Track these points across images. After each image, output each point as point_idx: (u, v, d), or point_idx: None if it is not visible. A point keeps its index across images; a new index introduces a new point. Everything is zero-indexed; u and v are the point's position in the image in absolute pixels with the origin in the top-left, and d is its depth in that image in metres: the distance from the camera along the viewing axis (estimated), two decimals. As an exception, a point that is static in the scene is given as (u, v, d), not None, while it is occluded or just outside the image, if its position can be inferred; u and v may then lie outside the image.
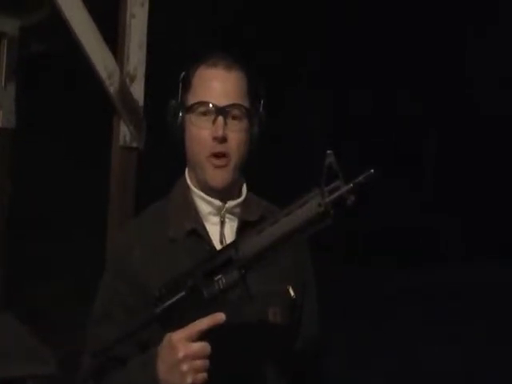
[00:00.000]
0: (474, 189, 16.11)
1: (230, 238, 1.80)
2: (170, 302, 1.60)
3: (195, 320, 1.56)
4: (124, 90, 4.11)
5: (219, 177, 1.78)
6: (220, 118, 1.76)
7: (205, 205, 1.83)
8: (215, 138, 1.76)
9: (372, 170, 1.49)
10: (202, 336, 1.56)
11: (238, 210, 1.84)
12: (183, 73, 1.84)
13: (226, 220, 1.83)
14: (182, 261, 1.73)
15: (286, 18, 15.19)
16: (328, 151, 1.51)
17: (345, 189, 1.50)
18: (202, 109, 1.78)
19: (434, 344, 8.23)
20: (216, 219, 1.82)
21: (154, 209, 1.90)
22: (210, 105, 1.76)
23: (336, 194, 1.51)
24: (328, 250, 10.66)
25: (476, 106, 16.67)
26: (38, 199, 10.98)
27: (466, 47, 16.74)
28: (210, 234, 1.81)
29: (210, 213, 1.82)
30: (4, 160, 5.50)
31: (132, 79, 4.14)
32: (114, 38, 4.21)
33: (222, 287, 1.57)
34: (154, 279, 1.71)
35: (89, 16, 4.09)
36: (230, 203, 1.83)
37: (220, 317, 1.56)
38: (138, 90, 4.17)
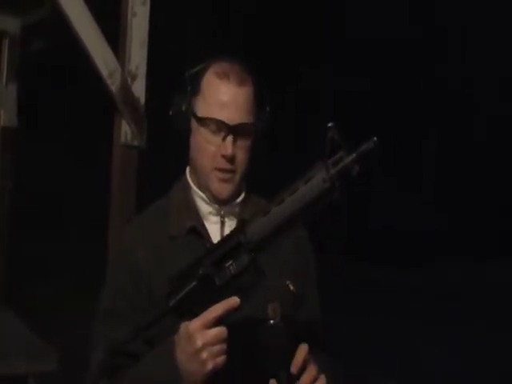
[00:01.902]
0: (474, 189, 16.11)
1: None
2: (183, 292, 1.59)
3: (209, 307, 1.57)
4: (125, 89, 4.12)
5: (224, 190, 1.81)
6: (230, 137, 1.78)
7: (205, 205, 1.85)
8: (224, 156, 1.78)
9: (375, 138, 1.47)
10: (218, 322, 1.56)
11: (237, 209, 1.86)
12: (190, 72, 1.84)
13: (226, 220, 1.85)
14: (182, 258, 1.74)
15: (286, 18, 15.20)
16: (329, 124, 1.48)
17: (349, 159, 1.48)
18: (213, 126, 1.79)
19: (433, 344, 8.24)
20: (216, 219, 1.85)
21: (154, 207, 1.91)
22: (223, 123, 1.77)
23: (340, 166, 1.48)
24: (328, 249, 10.68)
25: (476, 105, 16.67)
26: (38, 198, 10.99)
27: (466, 47, 16.74)
28: (210, 232, 1.83)
29: (210, 213, 1.85)
30: (5, 159, 5.51)
31: (133, 78, 4.14)
32: (115, 36, 4.21)
33: (233, 272, 1.57)
34: (157, 277, 1.75)
35: (90, 14, 4.10)
36: (230, 204, 1.85)
37: (234, 301, 1.57)
38: (139, 89, 4.18)
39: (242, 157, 1.80)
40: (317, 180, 1.49)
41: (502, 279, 12.11)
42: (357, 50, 15.80)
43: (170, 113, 1.84)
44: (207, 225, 1.84)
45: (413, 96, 16.42)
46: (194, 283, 1.59)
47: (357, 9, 15.78)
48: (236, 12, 15.12)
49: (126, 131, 4.12)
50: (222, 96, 1.79)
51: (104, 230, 4.11)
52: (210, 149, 1.79)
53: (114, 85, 4.09)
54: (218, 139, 1.79)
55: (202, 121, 1.80)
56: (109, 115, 4.28)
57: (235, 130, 1.78)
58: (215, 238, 1.82)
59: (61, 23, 4.20)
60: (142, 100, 4.17)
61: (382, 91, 16.12)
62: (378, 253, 13.67)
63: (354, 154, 1.48)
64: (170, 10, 11.37)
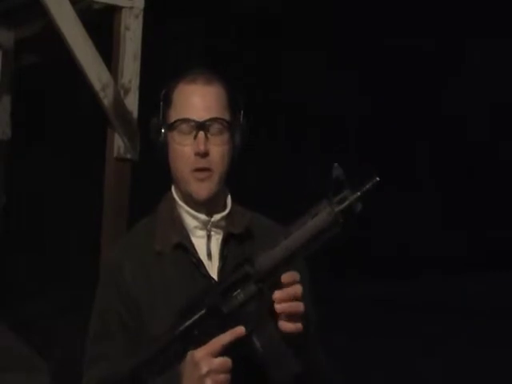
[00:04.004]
0: (472, 195, 16.10)
1: (215, 251, 1.83)
2: (190, 320, 1.63)
3: (216, 336, 1.60)
4: (118, 102, 4.13)
5: (203, 189, 1.80)
6: (201, 134, 1.77)
7: (191, 219, 1.84)
8: (197, 154, 1.78)
9: (377, 178, 1.60)
10: (224, 351, 1.60)
11: (223, 222, 1.85)
12: (163, 90, 1.85)
13: (212, 233, 1.85)
14: (169, 273, 1.78)
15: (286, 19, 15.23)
16: (335, 164, 1.60)
17: (353, 198, 1.60)
18: (183, 126, 1.79)
19: (431, 356, 8.22)
20: (202, 233, 1.84)
21: (142, 224, 1.92)
22: (191, 121, 1.79)
23: (345, 204, 1.60)
24: (318, 260, 10.62)
25: (472, 108, 16.67)
26: (32, 212, 10.99)
27: (464, 56, 16.80)
28: (196, 246, 1.82)
29: (196, 227, 1.84)
30: (-1, 172, 5.52)
31: (126, 91, 4.16)
32: (108, 50, 4.23)
33: (240, 301, 1.63)
34: (145, 293, 1.77)
35: (83, 28, 4.11)
36: (216, 217, 1.84)
37: (240, 331, 1.60)
38: (132, 102, 4.19)
39: (217, 154, 1.80)
40: (322, 216, 1.60)
41: (499, 288, 12.09)
42: (356, 53, 15.82)
43: (150, 136, 1.86)
44: (193, 239, 1.83)
45: (409, 98, 16.43)
46: (202, 312, 1.63)
47: (357, 15, 15.82)
48: (235, 13, 15.02)
49: (118, 145, 4.14)
50: (190, 98, 1.81)
51: (97, 243, 4.12)
52: (184, 151, 1.79)
53: (106, 98, 4.10)
54: (190, 140, 1.79)
55: (173, 125, 1.81)
56: (102, 129, 4.30)
57: (205, 126, 1.78)
58: (202, 252, 1.82)
59: (54, 37, 4.22)
60: (135, 113, 4.19)
61: (379, 95, 16.15)
62: (374, 261, 13.64)
63: (358, 193, 1.61)
64: (166, 22, 11.41)
